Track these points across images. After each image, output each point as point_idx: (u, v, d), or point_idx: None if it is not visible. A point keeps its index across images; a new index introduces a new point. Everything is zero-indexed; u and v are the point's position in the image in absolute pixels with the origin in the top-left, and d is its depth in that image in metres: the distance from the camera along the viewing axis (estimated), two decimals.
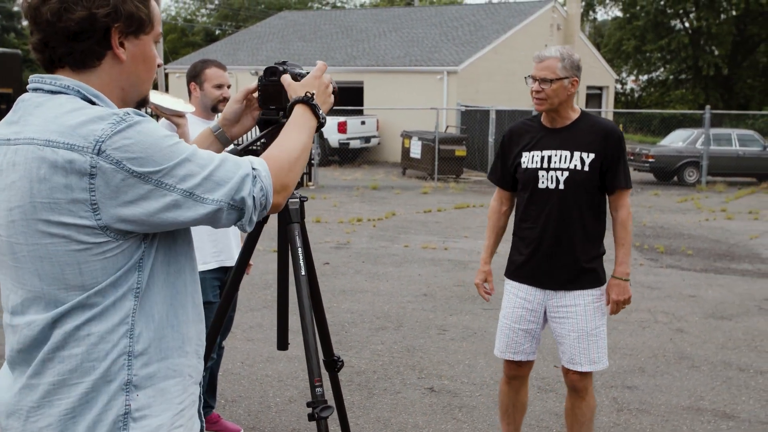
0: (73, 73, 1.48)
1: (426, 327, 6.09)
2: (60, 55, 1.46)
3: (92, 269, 1.41)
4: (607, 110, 29.99)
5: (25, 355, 1.46)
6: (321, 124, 1.76)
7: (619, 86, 44.23)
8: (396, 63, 24.06)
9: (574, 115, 3.36)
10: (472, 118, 20.54)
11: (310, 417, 2.12)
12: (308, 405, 2.13)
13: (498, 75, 23.14)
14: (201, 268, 3.64)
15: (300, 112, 1.75)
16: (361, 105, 23.66)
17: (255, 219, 1.51)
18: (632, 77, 45.24)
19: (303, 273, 2.06)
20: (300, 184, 2.00)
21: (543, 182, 3.32)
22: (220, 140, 1.99)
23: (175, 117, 3.33)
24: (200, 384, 1.64)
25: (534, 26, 25.82)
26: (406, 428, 4.16)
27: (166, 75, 29.93)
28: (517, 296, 3.46)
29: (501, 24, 25.37)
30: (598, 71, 30.86)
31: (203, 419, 1.68)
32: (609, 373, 5.06)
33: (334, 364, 2.46)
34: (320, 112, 1.77)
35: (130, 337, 1.45)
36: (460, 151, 18.46)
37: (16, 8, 70.54)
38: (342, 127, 21.50)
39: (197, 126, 3.55)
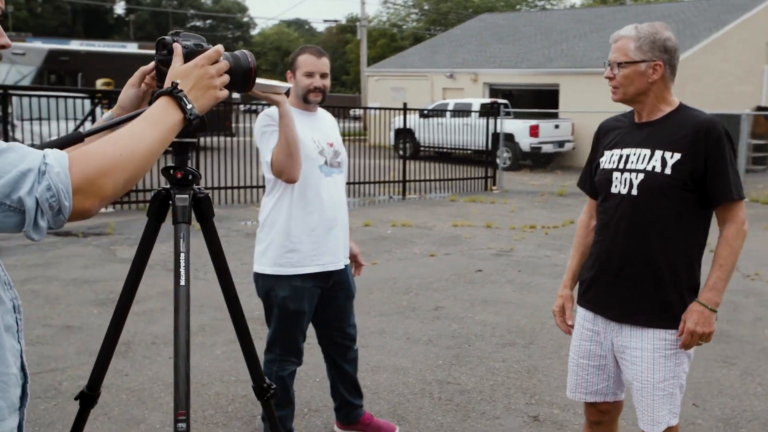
0: None
1: (559, 347, 5.53)
2: None
3: None
4: None
5: None
6: (189, 120, 1.45)
7: None
8: (594, 64, 22.90)
9: (668, 108, 2.73)
10: None
11: None
12: None
13: (708, 76, 21.34)
14: (297, 271, 3.45)
15: (159, 104, 1.45)
16: (556, 108, 22.80)
17: (44, 225, 1.21)
18: None
19: (182, 283, 1.75)
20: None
21: (616, 186, 2.74)
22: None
23: (273, 95, 3.14)
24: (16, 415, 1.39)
25: (753, 22, 23.52)
26: None
27: (367, 77, 30.64)
28: (583, 326, 2.90)
29: (713, 21, 23.39)
30: None
31: None
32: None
33: (262, 392, 2.13)
34: (188, 105, 1.46)
35: None
36: None
37: (245, 19, 75.99)
38: (534, 131, 20.82)
39: (294, 118, 3.32)
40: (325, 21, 60.07)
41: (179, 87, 1.48)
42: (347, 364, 3.81)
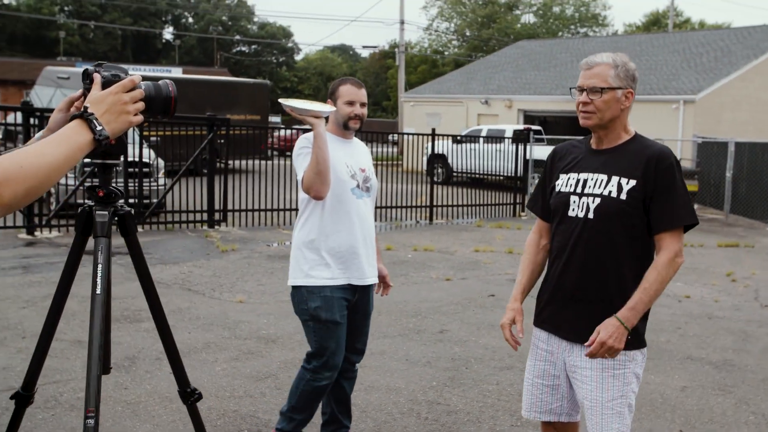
0: None
1: None
2: None
3: None
4: None
5: None
6: (98, 141, 1.61)
7: None
8: None
9: (626, 137, 2.85)
10: (709, 151, 18.89)
11: None
12: None
13: (745, 104, 21.12)
14: (328, 282, 3.64)
15: (70, 126, 1.62)
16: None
17: None
18: None
19: (98, 292, 1.89)
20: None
21: (573, 209, 2.84)
22: None
23: (309, 117, 3.46)
24: None
25: None
26: None
27: (403, 103, 30.90)
28: (538, 346, 2.99)
29: (753, 49, 23.16)
30: None
31: None
32: None
33: (187, 396, 2.26)
34: (98, 127, 1.62)
35: None
36: (692, 185, 17.01)
37: (290, 45, 77.19)
38: None
39: (330, 143, 3.58)
40: (365, 47, 60.92)
41: (90, 111, 1.65)
42: (345, 381, 3.95)
